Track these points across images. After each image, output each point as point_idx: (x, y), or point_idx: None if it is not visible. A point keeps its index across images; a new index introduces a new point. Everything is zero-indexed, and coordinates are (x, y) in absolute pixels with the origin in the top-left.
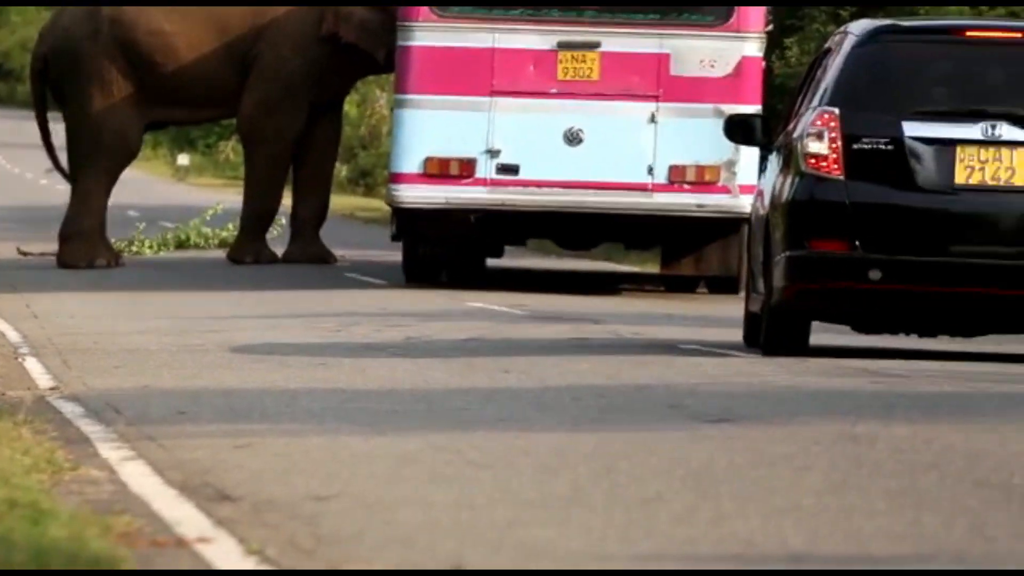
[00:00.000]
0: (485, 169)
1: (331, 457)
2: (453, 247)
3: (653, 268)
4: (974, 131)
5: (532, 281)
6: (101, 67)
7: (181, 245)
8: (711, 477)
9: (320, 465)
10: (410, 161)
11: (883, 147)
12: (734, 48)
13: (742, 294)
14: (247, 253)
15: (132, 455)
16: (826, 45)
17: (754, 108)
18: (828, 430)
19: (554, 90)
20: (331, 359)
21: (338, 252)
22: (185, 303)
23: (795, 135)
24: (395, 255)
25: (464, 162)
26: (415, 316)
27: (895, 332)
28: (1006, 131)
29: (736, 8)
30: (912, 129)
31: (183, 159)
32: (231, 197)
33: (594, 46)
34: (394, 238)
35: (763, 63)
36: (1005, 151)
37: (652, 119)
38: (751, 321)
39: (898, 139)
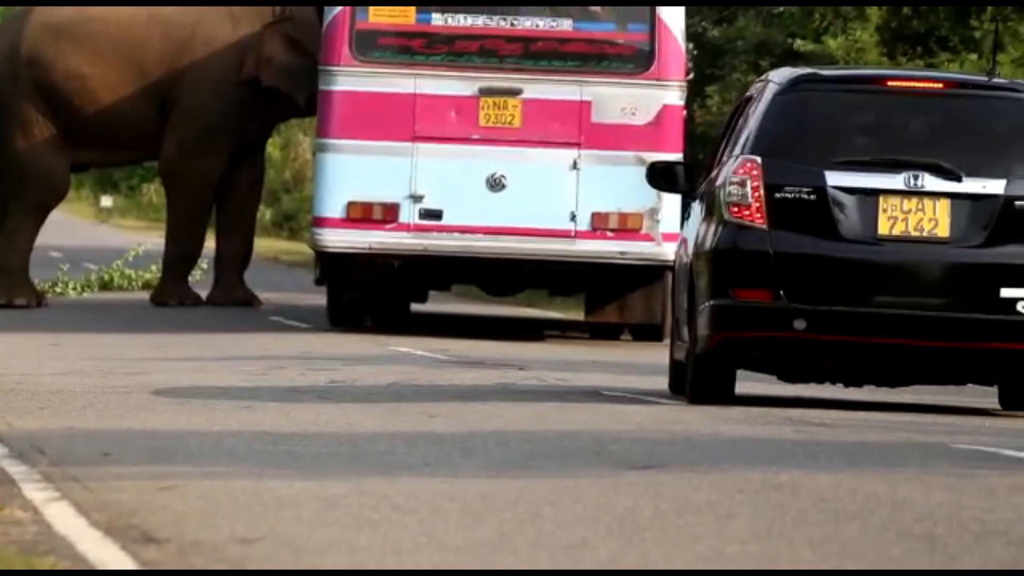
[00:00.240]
0: (408, 214)
1: (256, 500)
2: (377, 291)
3: (577, 315)
4: (897, 181)
5: (456, 326)
6: (22, 109)
7: (105, 287)
8: (636, 524)
9: (245, 508)
10: (333, 205)
11: (806, 196)
12: (655, 96)
13: (666, 341)
14: (170, 295)
15: (57, 496)
16: (748, 93)
17: (675, 156)
18: (752, 478)
19: (476, 136)
20: (256, 402)
21: (262, 295)
22: (109, 345)
23: (718, 183)
24: (319, 299)
25: (387, 207)
26: (340, 360)
27: (820, 381)
28: (928, 181)
29: (656, 57)
30: (835, 179)
31: (106, 201)
32: (154, 239)
33: (516, 93)
34: (318, 282)
35: (684, 111)
36: (928, 201)
37: (574, 166)
38: (676, 369)
39: (821, 188)
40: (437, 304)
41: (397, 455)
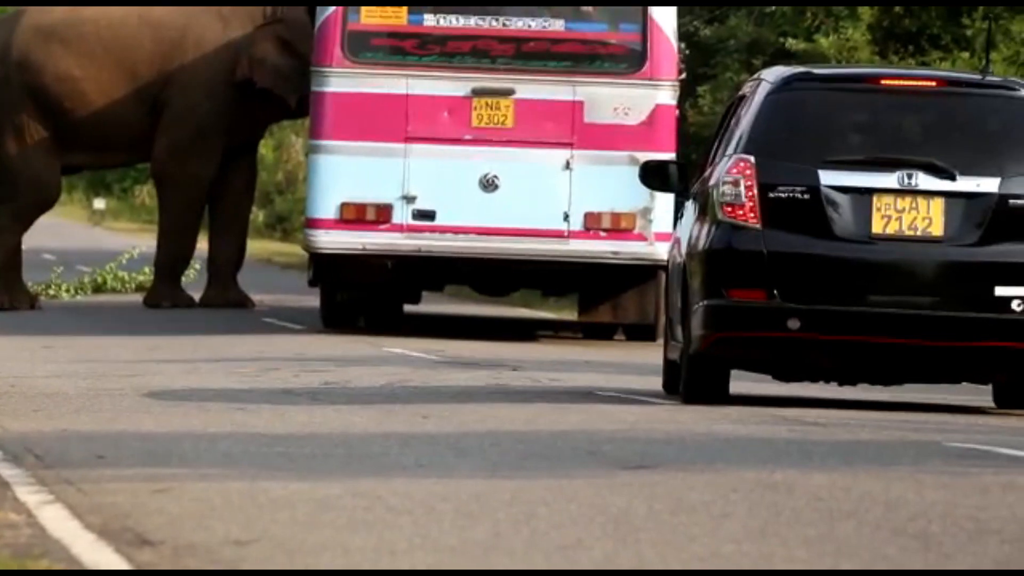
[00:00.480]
0: (401, 215)
1: (251, 502)
2: (370, 292)
3: (571, 315)
4: (890, 180)
5: (449, 327)
6: (13, 112)
7: (98, 289)
8: (630, 524)
9: (240, 510)
10: (326, 207)
11: (799, 196)
12: (647, 96)
13: (659, 341)
14: (163, 297)
15: (51, 498)
16: (740, 92)
17: (668, 156)
18: (747, 477)
19: (468, 137)
20: (250, 404)
21: (255, 297)
22: (103, 347)
23: (711, 183)
24: (312, 300)
25: (380, 208)
26: (333, 361)
27: (814, 380)
28: (922, 180)
29: (649, 57)
30: (828, 178)
31: (99, 203)
32: (147, 241)
33: (508, 93)
34: (311, 283)
35: (676, 111)
36: (921, 200)
37: (567, 166)
38: (670, 369)
39: (814, 188)
40: (430, 305)
41: (391, 456)
